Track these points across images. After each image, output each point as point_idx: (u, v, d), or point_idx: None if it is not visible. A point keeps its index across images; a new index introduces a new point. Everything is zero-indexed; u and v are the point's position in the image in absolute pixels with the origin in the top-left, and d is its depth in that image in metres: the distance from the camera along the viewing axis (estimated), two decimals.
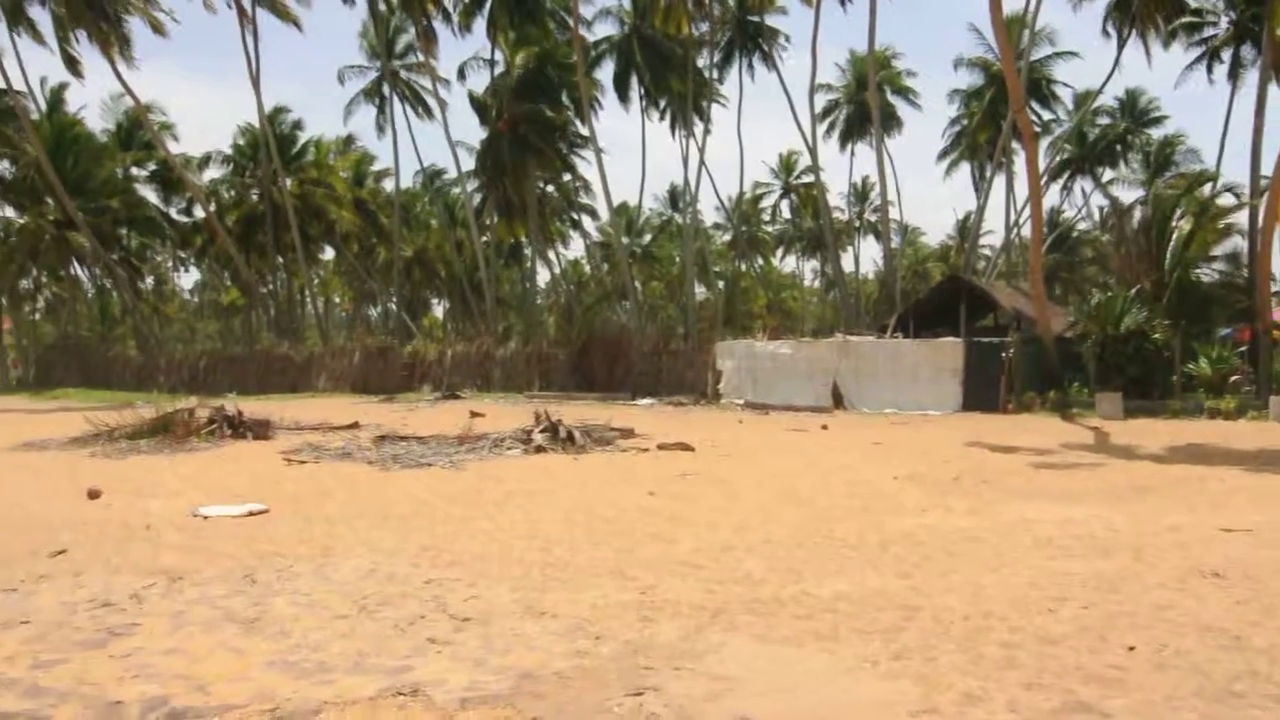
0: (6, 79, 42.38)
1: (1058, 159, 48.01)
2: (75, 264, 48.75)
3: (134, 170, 50.19)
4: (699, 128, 44.59)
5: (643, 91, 45.36)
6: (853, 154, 55.42)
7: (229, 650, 5.51)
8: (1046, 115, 46.31)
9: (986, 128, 44.92)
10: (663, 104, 46.26)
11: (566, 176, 48.91)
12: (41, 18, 40.70)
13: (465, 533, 8.87)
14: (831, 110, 52.51)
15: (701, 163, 50.07)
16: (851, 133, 53.16)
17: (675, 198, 64.86)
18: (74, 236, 43.76)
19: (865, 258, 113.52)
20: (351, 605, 6.41)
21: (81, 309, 53.90)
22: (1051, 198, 50.11)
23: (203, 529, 9.25)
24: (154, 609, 6.40)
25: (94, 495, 10.87)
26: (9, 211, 51.45)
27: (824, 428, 20.39)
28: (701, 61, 44.39)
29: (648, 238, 66.31)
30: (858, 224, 65.74)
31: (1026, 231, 40.11)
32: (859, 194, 64.73)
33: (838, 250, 48.84)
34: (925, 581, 6.91)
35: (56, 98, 46.73)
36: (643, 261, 63.22)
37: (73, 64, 41.16)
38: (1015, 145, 41.96)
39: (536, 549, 8.12)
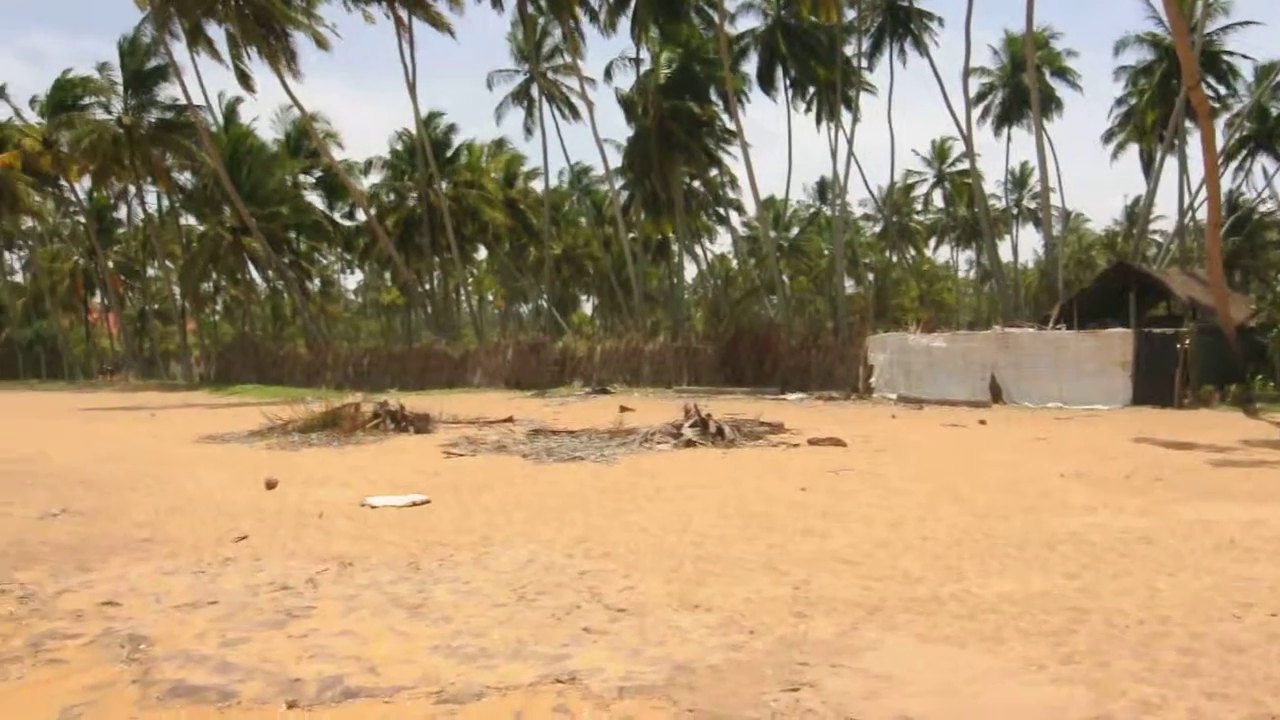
0: (187, 95, 45.47)
1: (1236, 137, 44.99)
2: (250, 267, 51.80)
3: (302, 177, 52.99)
4: (847, 117, 43.82)
5: (788, 82, 44.92)
6: (1009, 139, 53.52)
7: (396, 634, 5.74)
8: (1223, 90, 43.44)
9: (1157, 106, 42.40)
10: (809, 94, 45.67)
11: (713, 171, 48.87)
12: (217, 36, 43.40)
13: (618, 525, 8.99)
14: (986, 94, 50.77)
15: (850, 153, 49.13)
16: (1008, 117, 51.24)
17: (823, 189, 63.96)
18: (249, 242, 46.54)
19: (1024, 246, 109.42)
20: (510, 594, 6.58)
21: (256, 310, 57.13)
22: (1229, 179, 47.06)
23: (370, 518, 9.67)
24: (327, 593, 6.73)
25: (271, 485, 11.52)
26: (191, 220, 55.31)
27: (982, 423, 19.73)
28: (849, 49, 43.59)
29: (795, 231, 65.64)
30: (1016, 211, 63.36)
31: (1202, 215, 37.81)
32: (1017, 180, 62.38)
33: (994, 239, 47.13)
34: (1095, 583, 6.59)
35: (232, 111, 49.79)
36: (790, 255, 62.61)
37: (245, 79, 43.70)
38: (1189, 124, 39.53)
39: (688, 542, 8.15)
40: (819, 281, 64.30)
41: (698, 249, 56.51)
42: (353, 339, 64.83)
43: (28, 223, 61.96)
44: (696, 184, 49.87)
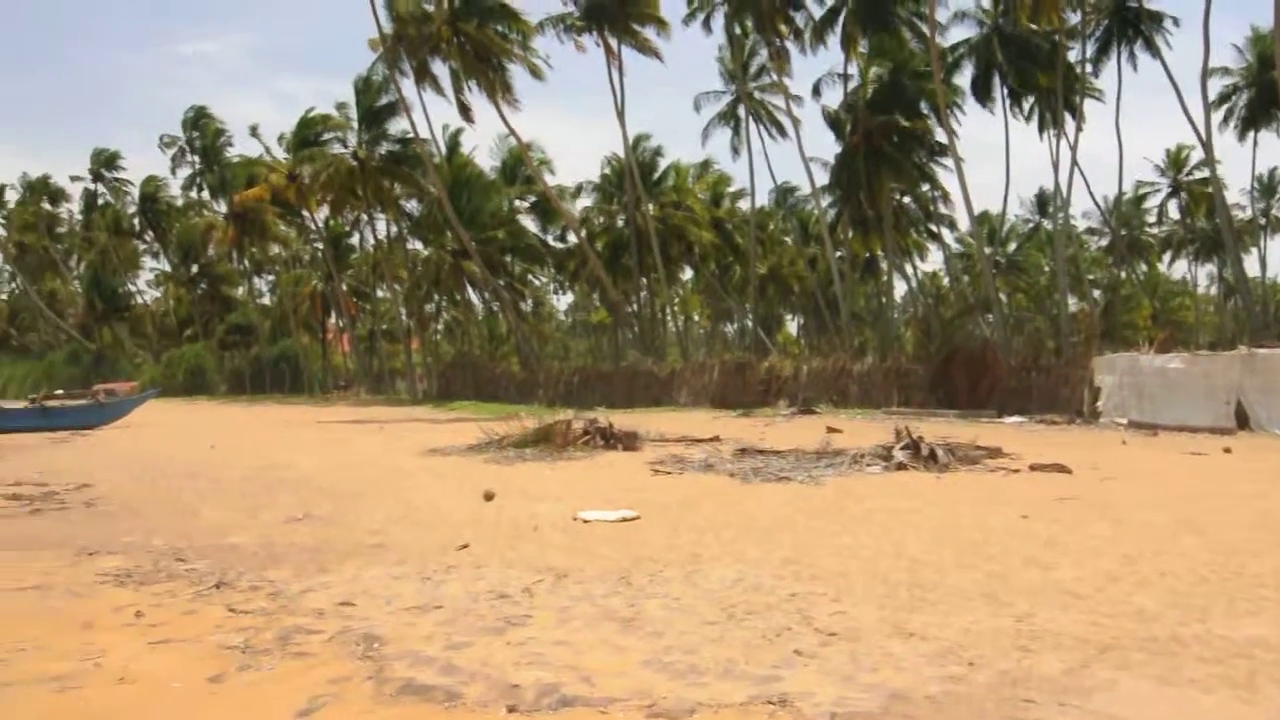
0: (414, 129, 48.46)
1: None
2: (469, 289, 54.50)
3: (517, 203, 55.32)
4: (1070, 126, 41.56)
5: (1005, 91, 43.03)
6: (1255, 143, 49.12)
7: (609, 646, 5.85)
8: None
9: None
10: (1028, 104, 43.61)
11: (924, 187, 47.50)
12: (441, 73, 46.09)
13: (827, 547, 8.83)
14: (1229, 97, 46.95)
15: (1074, 163, 46.46)
16: (1254, 120, 47.17)
17: (1043, 202, 60.93)
18: (468, 265, 48.97)
19: (1275, 259, 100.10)
20: (720, 612, 6.58)
21: (474, 330, 59.98)
22: None
23: (582, 532, 9.93)
24: (543, 603, 6.94)
25: (489, 497, 12.04)
26: (416, 245, 58.80)
27: (1226, 451, 18.15)
28: (1073, 55, 41.38)
29: (1012, 246, 62.78)
30: (1264, 221, 58.18)
31: None
32: (1265, 187, 57.36)
33: (1239, 252, 43.44)
34: None
35: (454, 142, 52.70)
36: (1007, 272, 59.92)
37: (465, 111, 46.16)
38: None
39: (901, 568, 7.90)
40: (1039, 299, 61.18)
41: (907, 267, 55.04)
42: (562, 358, 66.94)
43: (275, 250, 67.68)
44: (906, 200, 48.61)
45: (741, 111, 48.28)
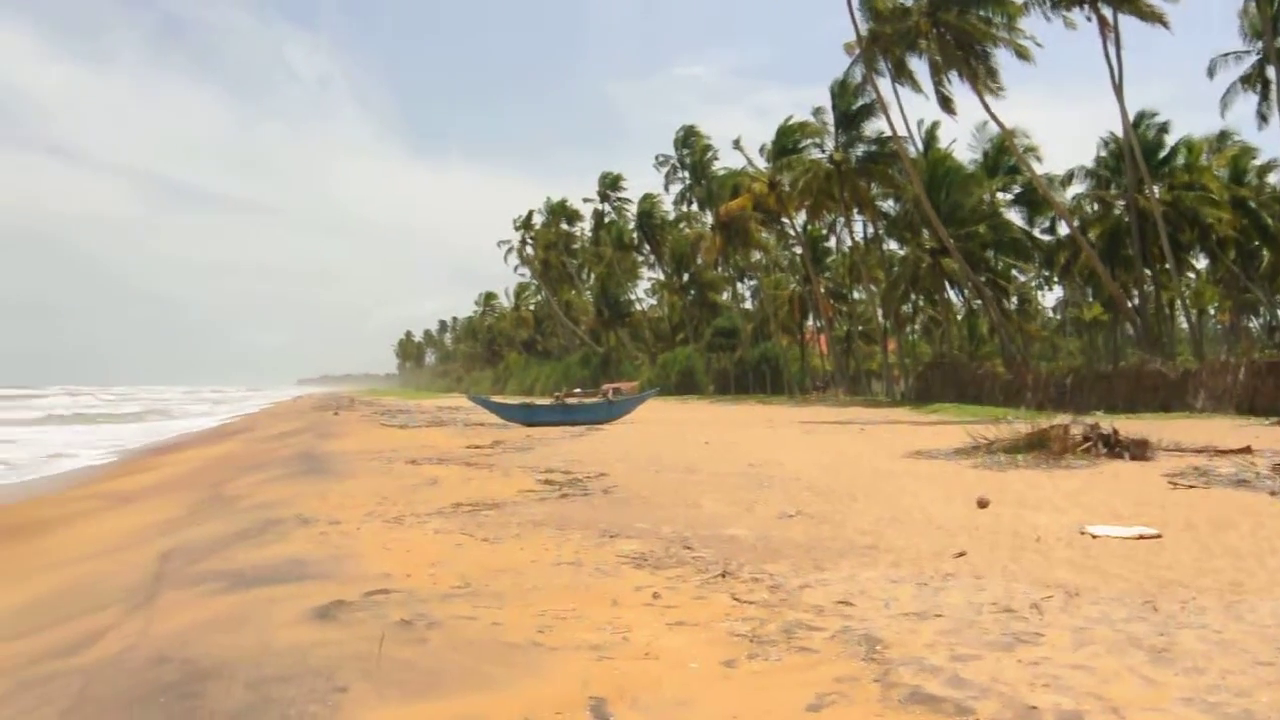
0: (892, 127, 48.11)
1: None
2: (948, 287, 52.93)
3: (999, 195, 52.72)
4: None
5: None
6: None
7: (1137, 677, 5.25)
8: None
9: None
10: None
11: None
12: (918, 67, 45.32)
13: None
14: None
15: None
16: None
17: None
18: (947, 262, 47.60)
19: None
20: (1276, 652, 5.64)
21: (953, 329, 58.17)
22: None
23: (1091, 547, 9.10)
24: (1053, 621, 6.43)
25: (983, 504, 11.50)
26: (892, 245, 58.41)
27: None
28: None
29: None
30: None
31: None
32: None
33: None
34: None
35: (930, 137, 51.54)
36: None
37: (946, 103, 44.91)
38: None
39: None
40: None
41: None
42: (1049, 358, 62.59)
43: (756, 256, 70.99)
44: None
45: (1271, 73, 41.74)
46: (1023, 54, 42.13)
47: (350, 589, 7.64)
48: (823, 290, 63.02)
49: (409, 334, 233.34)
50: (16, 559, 12.98)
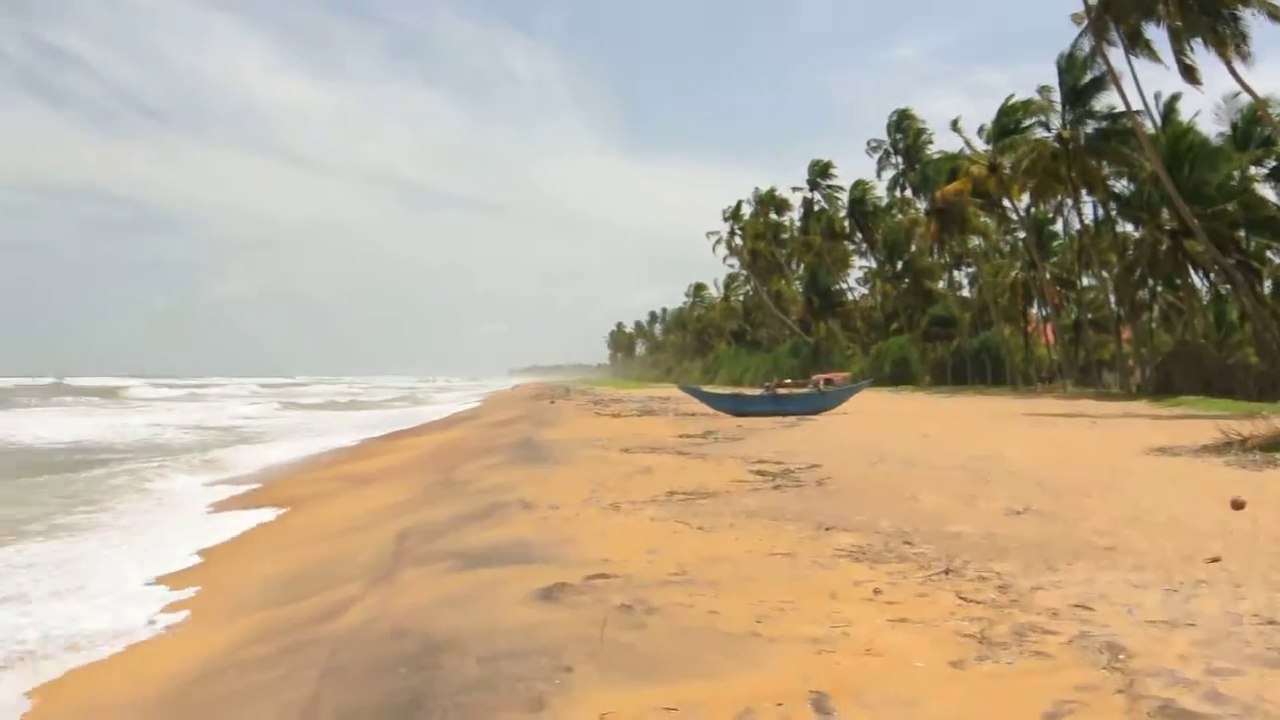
0: (1126, 101, 44.85)
1: None
2: (1190, 271, 48.90)
3: (1252, 170, 48.18)
4: None
5: None
6: None
7: None
8: None
9: None
10: None
11: None
12: (1156, 36, 42.03)
13: None
14: None
15: None
16: None
17: None
18: (1190, 244, 43.99)
19: None
20: None
21: (1196, 317, 53.77)
22: None
23: None
24: None
25: (1238, 506, 10.53)
26: (1127, 227, 54.51)
27: None
28: None
29: None
30: None
31: None
32: None
33: None
34: None
35: (1169, 110, 47.71)
36: None
37: (1189, 73, 41.38)
38: None
39: None
40: None
41: None
42: None
43: (974, 241, 68.04)
44: None
45: None
46: (1276, 15, 38.28)
47: (572, 572, 7.87)
48: (1048, 276, 59.67)
49: (620, 325, 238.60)
50: (293, 530, 14.20)
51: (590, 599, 6.99)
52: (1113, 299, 56.47)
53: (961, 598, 6.99)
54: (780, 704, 4.82)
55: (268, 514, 15.93)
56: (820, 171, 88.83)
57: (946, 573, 7.79)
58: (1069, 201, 55.78)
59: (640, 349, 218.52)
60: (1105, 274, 57.56)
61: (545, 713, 4.83)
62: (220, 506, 17.25)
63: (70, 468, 23.47)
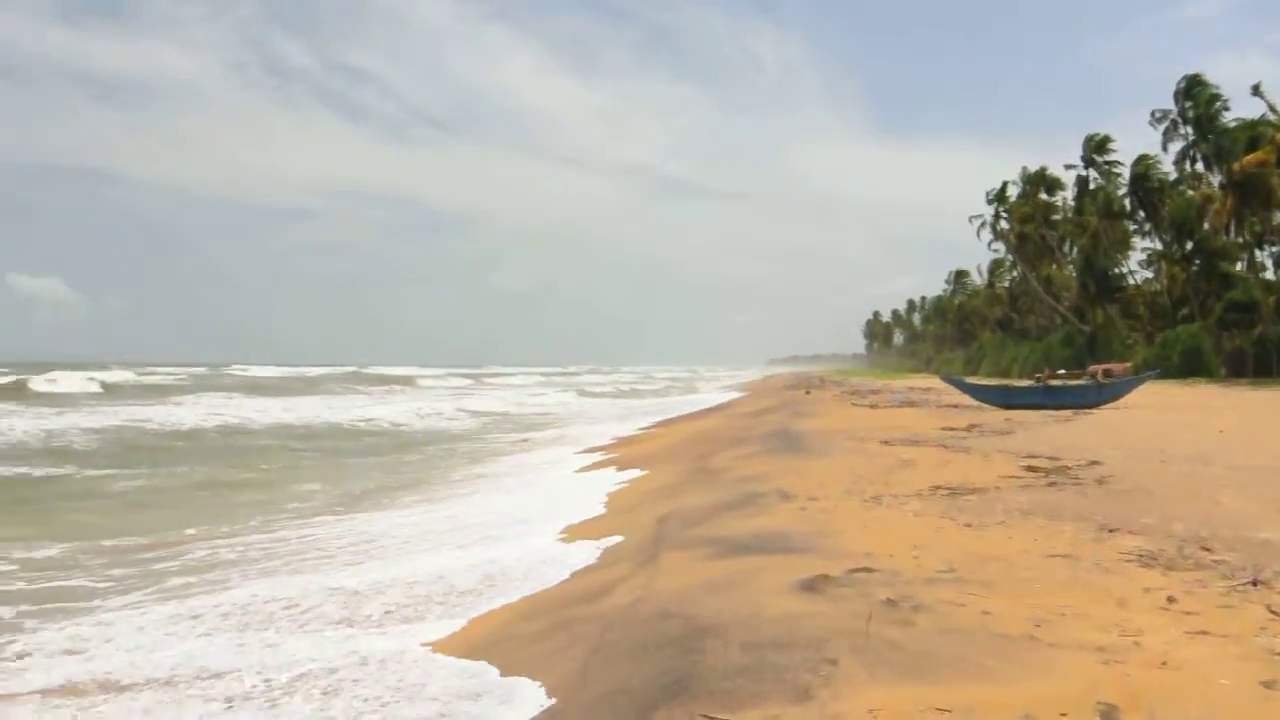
0: None
1: None
2: None
3: None
4: None
5: None
6: None
7: None
8: None
9: None
10: None
11: None
12: None
13: None
14: None
15: None
16: None
17: None
18: None
19: None
20: None
21: None
22: None
23: None
24: None
25: None
26: None
27: None
28: None
29: None
30: None
31: None
32: None
33: None
34: None
35: None
36: None
37: None
38: None
39: None
40: None
41: None
42: None
43: (1279, 218, 61.09)
44: None
45: None
46: None
47: (833, 564, 7.75)
48: None
49: (876, 314, 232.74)
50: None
51: (853, 592, 6.86)
52: None
53: (1273, 611, 6.30)
54: (1064, 714, 4.53)
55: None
56: (1096, 147, 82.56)
57: (1254, 584, 7.04)
58: None
59: (898, 338, 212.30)
60: None
61: (812, 705, 4.78)
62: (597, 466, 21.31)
63: (437, 441, 30.91)
